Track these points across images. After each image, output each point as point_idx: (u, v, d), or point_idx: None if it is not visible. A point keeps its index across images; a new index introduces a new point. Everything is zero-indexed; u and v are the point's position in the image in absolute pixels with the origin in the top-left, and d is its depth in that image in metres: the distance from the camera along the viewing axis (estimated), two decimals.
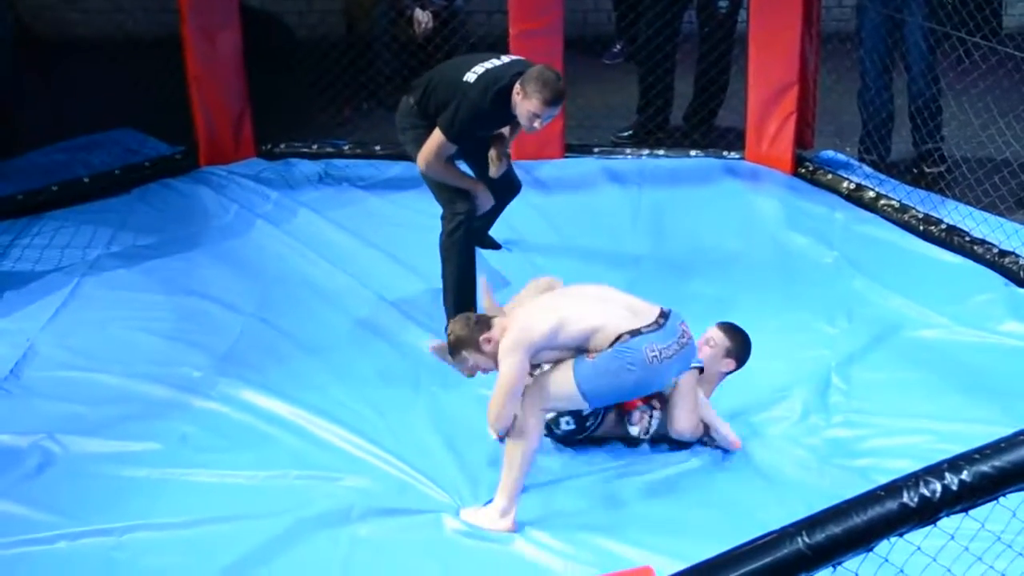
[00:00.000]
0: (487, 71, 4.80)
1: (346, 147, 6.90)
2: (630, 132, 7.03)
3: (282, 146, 6.83)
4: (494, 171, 5.04)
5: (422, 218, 6.05)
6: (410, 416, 4.52)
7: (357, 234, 5.93)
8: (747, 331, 4.47)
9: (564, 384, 3.91)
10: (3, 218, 6.06)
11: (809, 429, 4.41)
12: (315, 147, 6.87)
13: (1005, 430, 2.47)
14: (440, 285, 5.02)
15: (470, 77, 4.80)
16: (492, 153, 5.03)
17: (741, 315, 5.08)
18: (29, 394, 4.68)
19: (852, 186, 6.25)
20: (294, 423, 4.47)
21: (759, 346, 4.84)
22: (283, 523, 3.92)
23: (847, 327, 5.07)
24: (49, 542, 3.84)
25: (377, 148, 6.86)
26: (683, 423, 4.24)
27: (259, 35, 7.25)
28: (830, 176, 6.39)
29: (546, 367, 4.02)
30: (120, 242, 5.90)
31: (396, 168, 6.64)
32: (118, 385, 4.73)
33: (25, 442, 4.33)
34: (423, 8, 7.45)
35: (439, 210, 5.03)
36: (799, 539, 2.34)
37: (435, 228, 5.03)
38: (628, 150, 6.87)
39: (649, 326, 3.95)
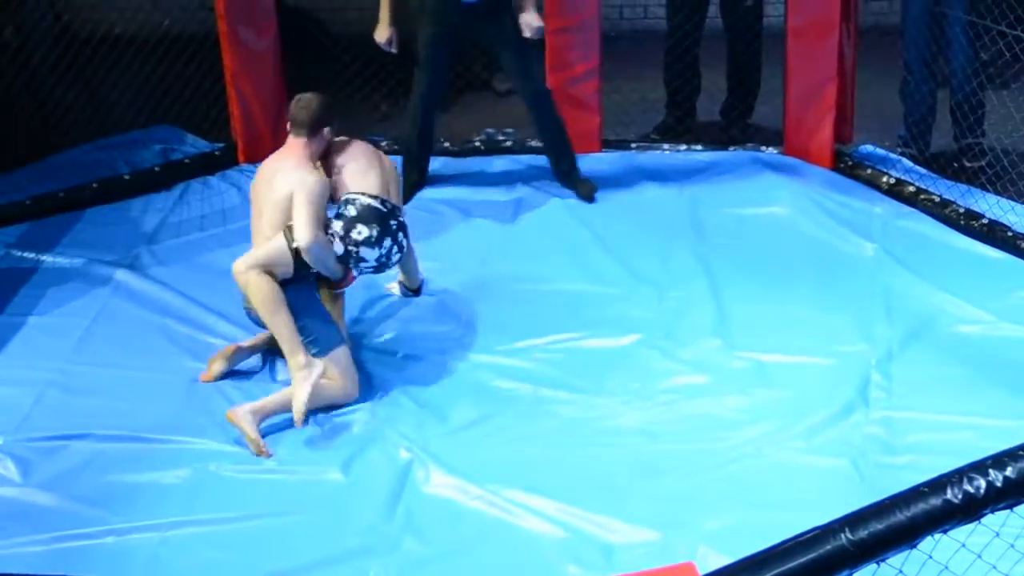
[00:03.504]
0: None
1: (383, 143, 6.91)
2: (657, 130, 7.04)
3: None
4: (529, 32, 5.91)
5: (455, 212, 6.14)
6: (451, 410, 4.55)
7: None
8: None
9: None
10: (45, 215, 6.11)
11: (850, 426, 4.39)
12: None
13: None
14: None
15: None
16: (526, 17, 5.87)
17: (780, 309, 5.14)
18: (74, 392, 4.72)
19: (892, 181, 6.21)
20: (337, 420, 4.49)
21: (798, 341, 4.86)
22: (327, 519, 3.94)
23: (887, 323, 5.03)
24: (97, 537, 3.90)
25: None
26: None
27: (296, 31, 7.28)
28: (869, 171, 6.35)
29: None
30: (160, 239, 5.95)
31: (435, 163, 6.66)
32: (160, 382, 4.77)
33: (71, 439, 4.39)
34: None
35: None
36: (842, 535, 2.35)
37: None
38: (666, 145, 6.86)
39: None
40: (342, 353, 4.62)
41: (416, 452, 4.27)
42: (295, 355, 4.48)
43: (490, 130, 7.02)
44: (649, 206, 6.20)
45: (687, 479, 4.15)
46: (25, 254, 5.80)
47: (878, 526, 2.35)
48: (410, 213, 5.72)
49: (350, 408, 4.56)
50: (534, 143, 6.77)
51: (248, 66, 6.60)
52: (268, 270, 4.53)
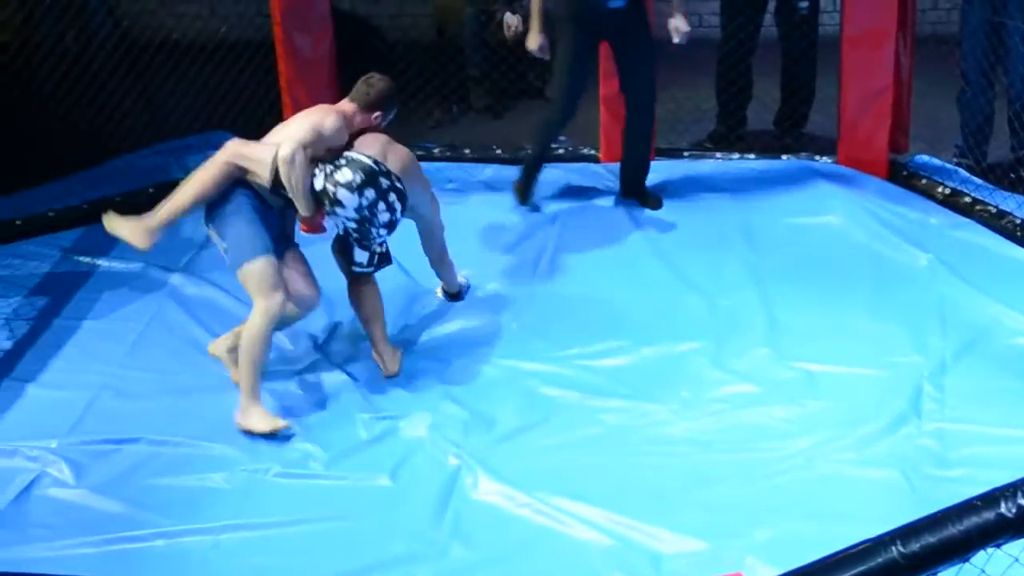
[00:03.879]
0: None
1: (436, 150, 6.94)
2: (710, 139, 7.02)
3: None
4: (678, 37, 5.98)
5: (506, 218, 6.14)
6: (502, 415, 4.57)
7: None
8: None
9: None
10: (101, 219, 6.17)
11: (902, 437, 4.34)
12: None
13: None
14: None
15: None
16: (674, 22, 5.94)
17: (832, 319, 5.10)
18: (127, 396, 4.77)
19: (947, 191, 6.16)
20: (385, 426, 4.51)
21: (850, 352, 4.82)
22: (375, 525, 3.96)
23: (941, 334, 4.98)
24: (148, 540, 3.92)
25: (467, 151, 6.89)
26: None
27: (351, 39, 7.32)
28: (925, 181, 6.30)
29: None
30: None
31: (487, 171, 6.68)
32: (211, 386, 4.80)
33: (123, 442, 4.43)
34: (513, 12, 7.46)
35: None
36: (894, 548, 2.33)
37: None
38: (718, 154, 6.84)
39: None
40: (257, 267, 4.51)
41: (464, 459, 4.26)
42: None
43: None
44: (701, 214, 6.19)
45: (736, 489, 4.11)
46: (81, 258, 5.89)
47: (930, 539, 2.32)
48: (461, 219, 5.78)
49: (398, 414, 4.56)
50: (586, 151, 6.78)
51: (303, 73, 6.64)
52: (247, 169, 4.57)
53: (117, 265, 5.79)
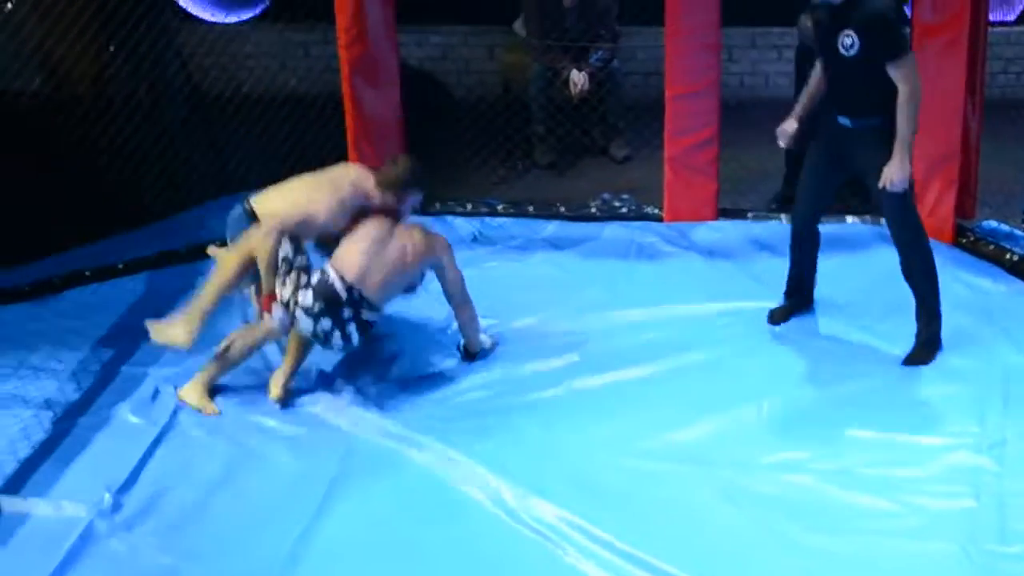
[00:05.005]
0: None
1: (499, 206, 6.97)
2: (775, 200, 6.99)
3: (436, 204, 6.94)
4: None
5: (564, 275, 6.15)
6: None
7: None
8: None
9: None
10: (170, 263, 6.34)
11: (961, 511, 4.30)
12: (469, 206, 6.97)
13: None
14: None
15: None
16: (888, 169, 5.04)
17: (893, 385, 5.07)
18: (185, 446, 4.85)
19: (1015, 258, 6.09)
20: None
21: (910, 420, 4.78)
22: None
23: (1002, 405, 4.92)
24: None
25: (530, 207, 6.93)
26: None
27: (418, 94, 7.39)
28: (992, 247, 6.24)
29: None
30: None
31: (549, 227, 6.70)
32: (251, 443, 4.86)
33: (177, 492, 4.50)
34: (579, 70, 7.51)
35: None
36: None
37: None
38: (783, 215, 6.81)
39: None
40: None
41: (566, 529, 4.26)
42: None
43: (606, 195, 7.03)
44: (763, 276, 6.14)
45: (790, 559, 4.10)
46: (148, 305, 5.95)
47: None
48: (522, 275, 5.81)
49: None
50: (650, 210, 6.79)
51: (370, 128, 6.72)
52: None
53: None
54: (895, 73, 4.94)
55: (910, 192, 5.21)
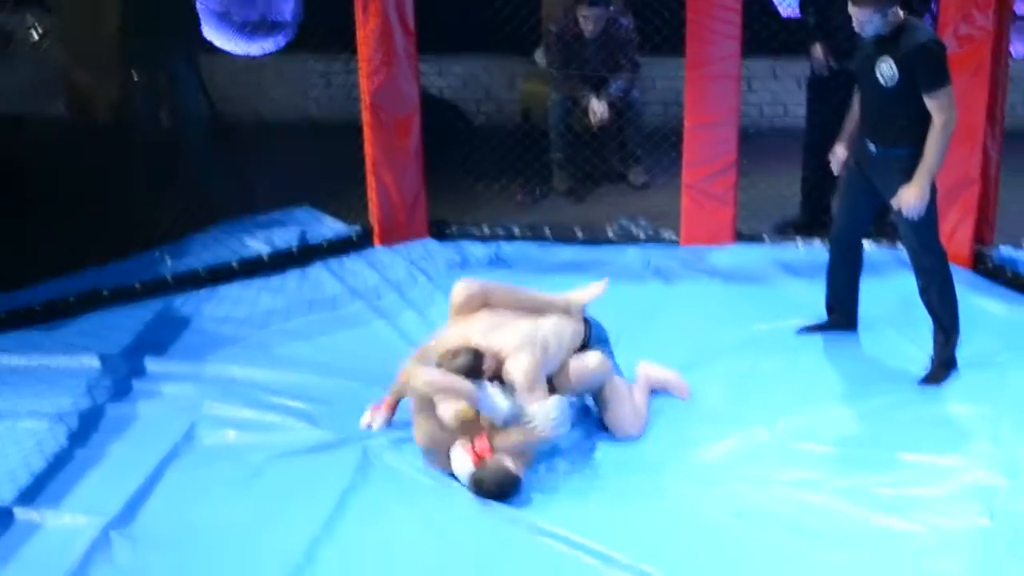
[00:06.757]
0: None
1: (517, 230, 6.99)
2: (792, 225, 6.99)
3: (454, 228, 6.97)
4: None
5: None
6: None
7: None
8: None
9: None
10: (187, 287, 6.37)
11: (975, 530, 4.29)
12: (487, 229, 7.00)
13: None
14: None
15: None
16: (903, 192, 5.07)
17: (908, 405, 5.07)
18: (206, 458, 4.87)
19: None
20: None
21: (925, 441, 4.76)
22: None
23: (1017, 426, 4.90)
24: None
25: (548, 232, 6.94)
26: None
27: (438, 122, 7.43)
28: (1010, 273, 6.23)
29: None
30: (293, 315, 6.14)
31: (567, 252, 6.71)
32: (265, 457, 4.85)
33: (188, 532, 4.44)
34: (599, 98, 7.54)
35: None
36: None
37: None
38: (800, 240, 6.81)
39: None
40: None
41: None
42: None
43: (624, 220, 7.05)
44: (778, 301, 6.15)
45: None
46: (163, 329, 5.99)
47: None
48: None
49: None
50: (667, 234, 6.80)
51: (390, 156, 6.74)
52: None
53: (196, 338, 5.90)
54: (932, 103, 4.96)
55: (933, 218, 5.21)
